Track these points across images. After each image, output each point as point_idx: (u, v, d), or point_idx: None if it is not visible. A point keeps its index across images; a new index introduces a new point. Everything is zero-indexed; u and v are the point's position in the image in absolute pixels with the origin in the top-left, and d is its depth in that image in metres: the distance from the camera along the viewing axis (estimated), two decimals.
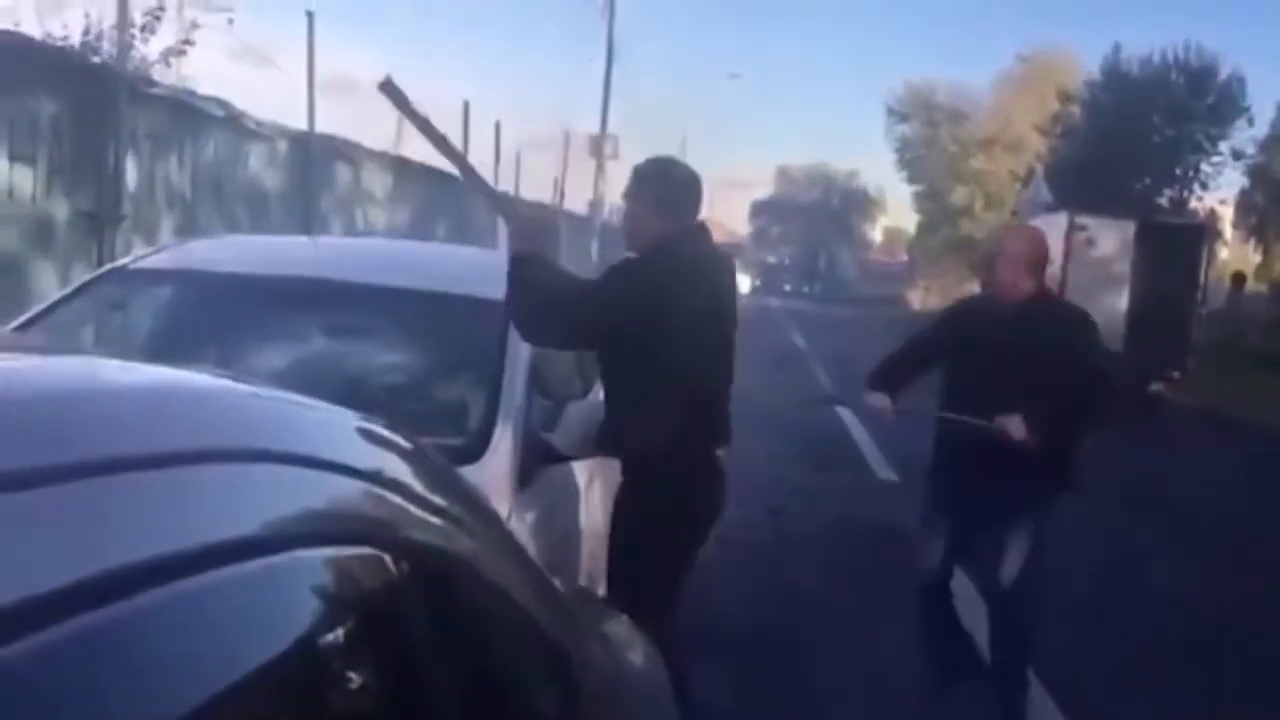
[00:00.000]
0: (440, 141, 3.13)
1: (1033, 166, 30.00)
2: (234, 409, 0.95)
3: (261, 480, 0.82)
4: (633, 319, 3.05)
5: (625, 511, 3.24)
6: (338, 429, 1.04)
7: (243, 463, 0.82)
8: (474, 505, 1.32)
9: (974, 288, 16.31)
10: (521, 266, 3.04)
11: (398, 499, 0.98)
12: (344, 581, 0.85)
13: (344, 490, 0.91)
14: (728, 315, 3.34)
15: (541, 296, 3.04)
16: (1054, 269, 15.34)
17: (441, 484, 1.16)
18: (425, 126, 3.11)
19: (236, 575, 0.72)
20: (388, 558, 0.89)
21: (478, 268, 3.94)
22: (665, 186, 3.26)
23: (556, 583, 1.90)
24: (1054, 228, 16.70)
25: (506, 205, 3.50)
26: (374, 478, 0.96)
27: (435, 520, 1.03)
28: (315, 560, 0.82)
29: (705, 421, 3.21)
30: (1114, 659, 4.84)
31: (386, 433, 1.10)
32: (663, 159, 3.46)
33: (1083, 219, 15.89)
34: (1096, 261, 15.51)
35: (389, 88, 3.09)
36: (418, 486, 1.04)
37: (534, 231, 3.14)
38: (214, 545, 0.72)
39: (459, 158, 3.27)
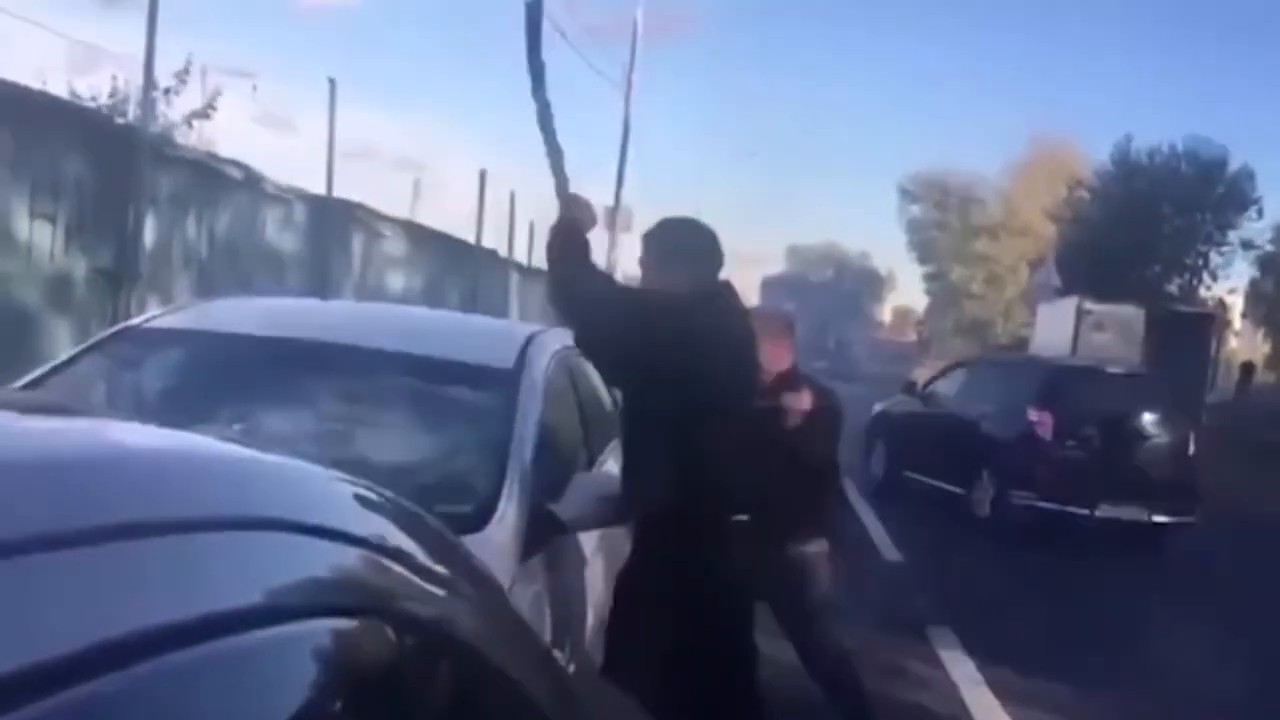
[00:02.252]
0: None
1: (1044, 253, 30.20)
2: (239, 475, 0.95)
3: (266, 549, 0.82)
4: (650, 360, 2.95)
5: (621, 583, 3.19)
6: (340, 496, 1.04)
7: (247, 531, 0.82)
8: (475, 575, 1.32)
9: None
10: (573, 226, 3.08)
11: (399, 569, 0.97)
12: (346, 652, 0.84)
13: (347, 560, 0.91)
14: (744, 376, 3.20)
15: (583, 264, 3.07)
16: (1064, 353, 15.53)
17: (442, 553, 1.16)
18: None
19: (240, 645, 0.72)
20: (389, 629, 0.88)
21: (489, 336, 3.96)
22: (687, 244, 3.20)
23: (558, 655, 1.88)
24: (1063, 312, 16.83)
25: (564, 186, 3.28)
26: (376, 547, 0.96)
27: (435, 591, 1.03)
28: (318, 630, 0.81)
29: (715, 489, 3.05)
30: None
31: (388, 500, 1.10)
32: (680, 218, 3.37)
33: (1090, 304, 15.99)
34: (1104, 346, 15.56)
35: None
36: (419, 556, 1.03)
37: (583, 213, 3.18)
38: (218, 614, 0.72)
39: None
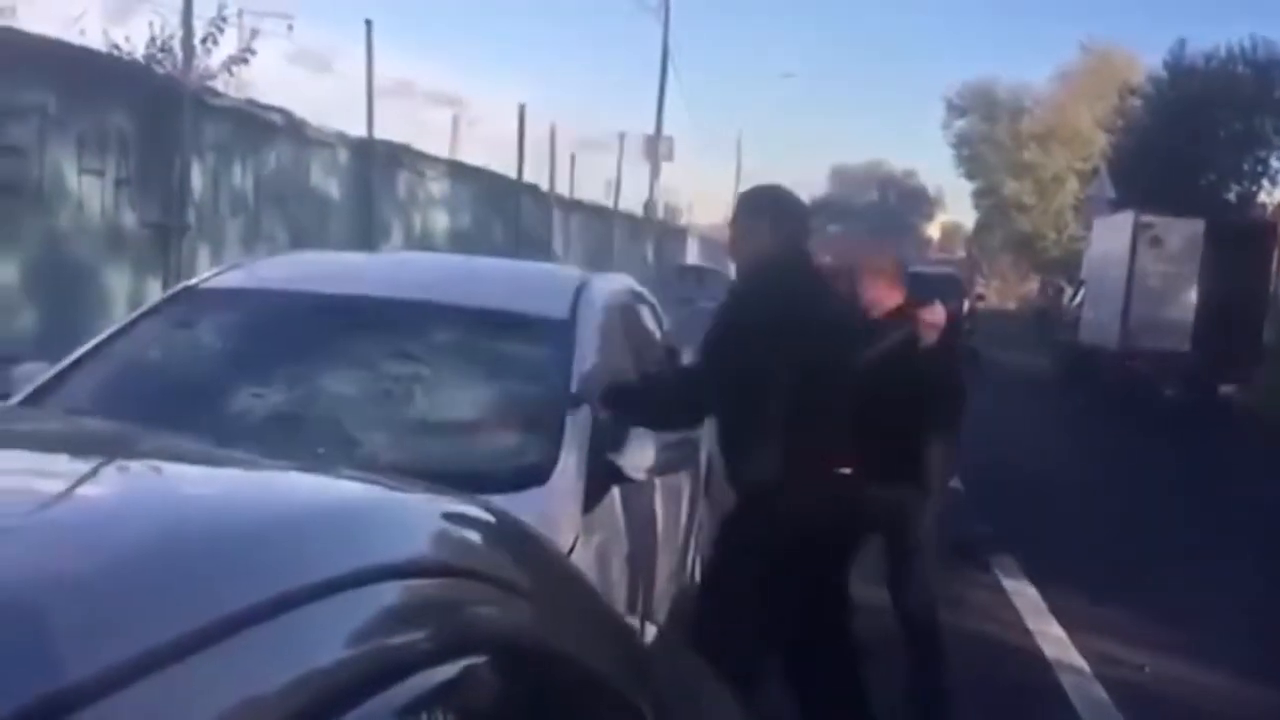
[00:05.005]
0: None
1: (1096, 163, 29.51)
2: (357, 529, 0.94)
3: (379, 599, 0.82)
4: (738, 361, 3.10)
5: (722, 547, 3.25)
6: (427, 522, 1.03)
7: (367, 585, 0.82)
8: (546, 561, 1.30)
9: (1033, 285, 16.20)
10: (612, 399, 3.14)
11: (486, 589, 0.96)
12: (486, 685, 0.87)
13: (449, 594, 0.90)
14: (834, 338, 3.30)
15: (652, 406, 3.24)
16: (1121, 268, 15.27)
17: (516, 551, 1.14)
18: None
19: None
20: (486, 658, 0.87)
21: (541, 285, 3.93)
22: (773, 211, 3.36)
23: (631, 622, 1.88)
24: (1120, 226, 16.44)
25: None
26: (465, 573, 0.95)
27: (517, 600, 1.02)
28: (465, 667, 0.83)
29: (816, 449, 3.15)
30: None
31: (465, 510, 1.08)
32: (767, 185, 3.58)
33: (1148, 217, 15.59)
34: (1163, 260, 15.23)
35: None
36: (500, 570, 1.02)
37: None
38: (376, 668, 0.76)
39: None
